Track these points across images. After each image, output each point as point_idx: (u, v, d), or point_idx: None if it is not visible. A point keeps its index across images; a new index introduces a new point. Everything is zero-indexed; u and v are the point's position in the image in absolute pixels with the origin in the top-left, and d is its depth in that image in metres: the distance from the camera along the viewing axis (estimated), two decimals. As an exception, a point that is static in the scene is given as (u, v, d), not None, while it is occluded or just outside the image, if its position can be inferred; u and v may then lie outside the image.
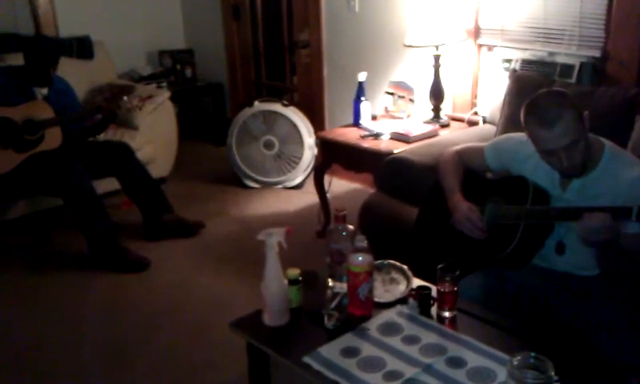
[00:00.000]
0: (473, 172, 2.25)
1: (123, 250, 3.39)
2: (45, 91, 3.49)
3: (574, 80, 3.02)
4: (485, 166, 2.23)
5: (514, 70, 3.20)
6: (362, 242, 1.85)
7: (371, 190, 3.22)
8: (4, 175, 3.33)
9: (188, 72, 5.39)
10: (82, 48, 4.56)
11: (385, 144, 3.31)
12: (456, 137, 3.15)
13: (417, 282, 2.00)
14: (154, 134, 4.27)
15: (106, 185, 3.71)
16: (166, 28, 5.43)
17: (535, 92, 1.95)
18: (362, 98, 3.63)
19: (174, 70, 5.33)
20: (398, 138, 3.33)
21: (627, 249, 1.77)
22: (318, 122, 4.44)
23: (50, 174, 3.35)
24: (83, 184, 3.34)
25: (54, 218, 3.77)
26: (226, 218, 3.99)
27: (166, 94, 4.47)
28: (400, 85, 3.78)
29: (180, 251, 3.57)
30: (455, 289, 1.82)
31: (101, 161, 3.61)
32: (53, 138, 3.41)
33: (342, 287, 1.91)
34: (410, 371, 1.60)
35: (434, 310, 1.87)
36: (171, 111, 4.49)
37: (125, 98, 3.62)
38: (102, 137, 3.76)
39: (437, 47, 3.43)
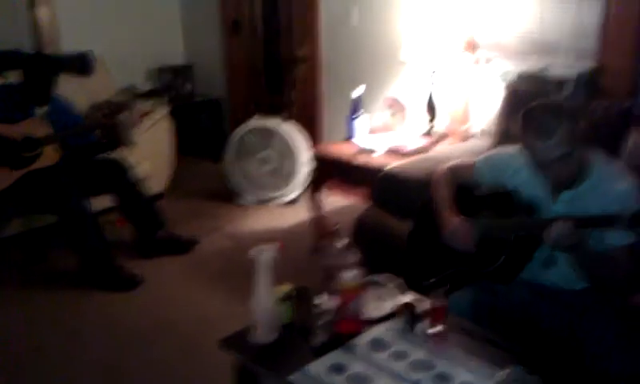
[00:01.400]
0: (464, 187, 2.25)
1: (116, 268, 3.39)
2: (44, 109, 3.50)
3: (568, 92, 3.02)
4: (476, 180, 2.23)
5: (509, 84, 3.20)
6: (353, 257, 1.85)
7: (366, 205, 3.21)
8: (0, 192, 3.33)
9: (187, 88, 5.41)
10: (83, 64, 4.57)
11: (380, 159, 3.31)
12: (451, 151, 3.15)
13: (406, 298, 1.99)
14: (151, 150, 4.27)
15: (102, 202, 3.71)
16: (166, 44, 5.46)
17: (530, 104, 1.96)
18: (357, 114, 3.64)
19: (172, 85, 5.34)
20: (393, 152, 3.33)
21: (615, 261, 1.78)
22: (316, 136, 4.45)
23: (45, 191, 3.35)
24: (78, 202, 3.34)
25: (49, 236, 3.77)
26: (220, 234, 3.99)
27: (165, 109, 4.48)
28: (396, 99, 3.79)
29: (173, 268, 3.56)
30: (444, 304, 1.80)
31: (95, 178, 3.61)
32: (50, 154, 3.42)
33: (333, 303, 1.90)
34: (397, 388, 1.59)
35: (422, 326, 1.85)
36: (169, 127, 4.50)
37: (123, 113, 3.63)
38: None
39: (433, 62, 3.44)
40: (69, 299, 3.28)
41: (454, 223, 2.09)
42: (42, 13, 4.73)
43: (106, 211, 3.73)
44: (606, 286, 1.91)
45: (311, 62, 4.50)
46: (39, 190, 3.37)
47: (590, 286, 1.94)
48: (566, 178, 1.90)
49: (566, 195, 1.95)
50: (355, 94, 3.65)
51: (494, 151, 2.32)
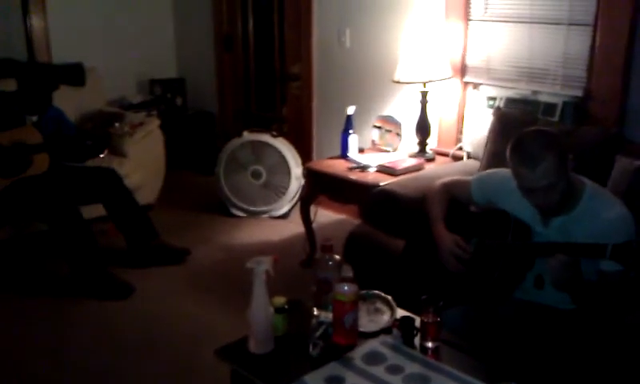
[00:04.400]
0: (458, 204, 2.29)
1: (110, 275, 3.38)
2: (35, 118, 3.50)
3: (556, 118, 3.09)
4: (470, 198, 2.28)
5: (498, 108, 3.27)
6: (348, 271, 1.88)
7: (356, 222, 3.25)
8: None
9: (178, 101, 5.43)
10: (74, 75, 4.59)
11: (371, 176, 3.36)
12: (441, 170, 3.21)
13: (401, 313, 2.02)
14: (142, 161, 4.29)
15: (96, 210, 3.70)
16: (158, 57, 5.49)
17: (518, 129, 2.01)
18: (350, 131, 3.70)
19: (164, 98, 5.36)
20: (385, 170, 3.38)
21: (607, 286, 1.82)
22: (305, 153, 4.49)
23: (36, 199, 3.35)
24: (68, 210, 3.33)
25: (39, 243, 3.76)
26: (212, 245, 4.00)
27: (156, 122, 4.50)
28: (387, 119, 3.85)
29: (165, 278, 3.56)
30: (438, 319, 1.84)
31: (88, 186, 3.61)
32: (41, 162, 3.42)
33: (328, 316, 1.93)
34: (393, 400, 1.62)
35: (417, 341, 1.88)
36: (160, 139, 4.52)
37: (116, 124, 3.65)
38: (91, 162, 3.76)
39: (424, 84, 3.51)
40: (58, 307, 3.27)
41: (448, 242, 2.13)
42: (35, 23, 4.73)
43: (99, 219, 3.73)
44: (599, 309, 1.96)
45: (303, 79, 4.55)
46: (29, 197, 3.36)
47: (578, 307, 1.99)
48: (553, 205, 1.94)
49: (556, 221, 2.00)
50: (349, 111, 3.71)
51: (489, 172, 2.37)
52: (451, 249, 2.13)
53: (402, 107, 3.89)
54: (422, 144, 3.63)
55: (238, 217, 4.44)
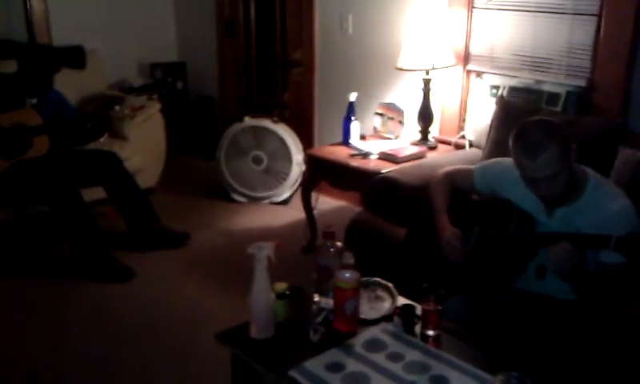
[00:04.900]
0: (460, 193, 2.29)
1: (110, 258, 3.38)
2: (34, 100, 3.48)
3: (559, 108, 3.09)
4: (473, 187, 2.27)
5: (502, 97, 3.26)
6: (349, 258, 1.88)
7: (357, 209, 3.25)
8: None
9: (179, 85, 5.40)
10: (75, 58, 4.57)
11: (373, 164, 3.35)
12: (443, 159, 3.21)
13: (402, 300, 2.02)
14: (143, 144, 4.28)
15: (96, 193, 3.70)
16: (159, 40, 5.46)
17: (521, 118, 2.00)
18: (352, 118, 3.68)
19: (164, 82, 5.33)
20: (387, 158, 3.38)
21: (605, 277, 1.82)
22: (307, 139, 4.48)
23: (36, 181, 3.35)
24: (68, 192, 3.33)
25: (39, 225, 3.75)
26: (212, 230, 4.00)
27: (157, 105, 4.48)
28: (390, 106, 3.84)
29: (165, 262, 3.56)
30: (439, 308, 1.84)
31: (89, 169, 3.61)
32: (41, 145, 3.42)
33: (328, 303, 1.93)
34: (393, 388, 1.62)
35: (418, 329, 1.89)
36: (161, 123, 4.51)
37: (117, 107, 3.64)
38: (91, 146, 3.75)
39: (427, 71, 3.49)
40: (58, 290, 3.27)
41: (448, 234, 2.14)
42: (35, 4, 4.70)
43: (99, 202, 3.72)
44: (599, 300, 1.96)
45: (305, 66, 4.53)
46: (30, 179, 3.36)
47: (580, 297, 1.99)
48: (556, 195, 1.94)
49: (560, 212, 2.00)
50: (351, 98, 3.70)
51: (492, 161, 2.36)
52: (449, 240, 2.13)
53: (404, 94, 3.87)
54: (425, 132, 3.62)
55: (239, 202, 4.43)
